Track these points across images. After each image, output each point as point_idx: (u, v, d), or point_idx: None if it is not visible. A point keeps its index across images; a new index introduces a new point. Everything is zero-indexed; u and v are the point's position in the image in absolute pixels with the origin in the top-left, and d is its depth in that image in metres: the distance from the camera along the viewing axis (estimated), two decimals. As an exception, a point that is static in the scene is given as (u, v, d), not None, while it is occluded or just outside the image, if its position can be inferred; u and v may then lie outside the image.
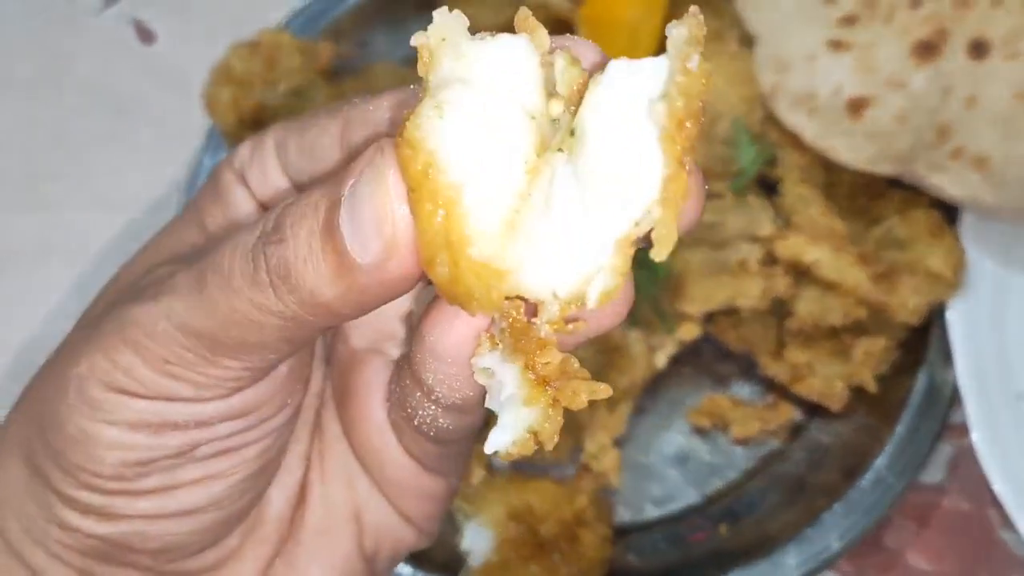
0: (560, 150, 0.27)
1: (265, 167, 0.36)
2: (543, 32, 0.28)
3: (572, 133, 0.27)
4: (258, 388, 0.32)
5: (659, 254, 0.26)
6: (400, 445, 0.36)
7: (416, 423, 0.33)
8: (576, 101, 0.28)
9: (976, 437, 0.60)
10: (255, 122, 0.67)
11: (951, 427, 0.63)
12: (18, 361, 0.68)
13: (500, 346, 0.28)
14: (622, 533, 0.61)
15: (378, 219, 0.27)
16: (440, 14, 0.27)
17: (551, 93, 0.28)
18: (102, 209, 0.73)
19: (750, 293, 0.58)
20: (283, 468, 0.37)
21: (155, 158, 0.74)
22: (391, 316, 0.37)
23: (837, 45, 0.58)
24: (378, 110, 0.33)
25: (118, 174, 0.74)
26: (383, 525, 0.37)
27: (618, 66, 0.27)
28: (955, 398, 0.61)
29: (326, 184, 0.29)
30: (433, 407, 0.32)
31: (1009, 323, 0.62)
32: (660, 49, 0.27)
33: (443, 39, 0.27)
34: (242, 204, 0.36)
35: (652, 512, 0.62)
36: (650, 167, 0.26)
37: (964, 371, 0.60)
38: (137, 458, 0.32)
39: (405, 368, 0.32)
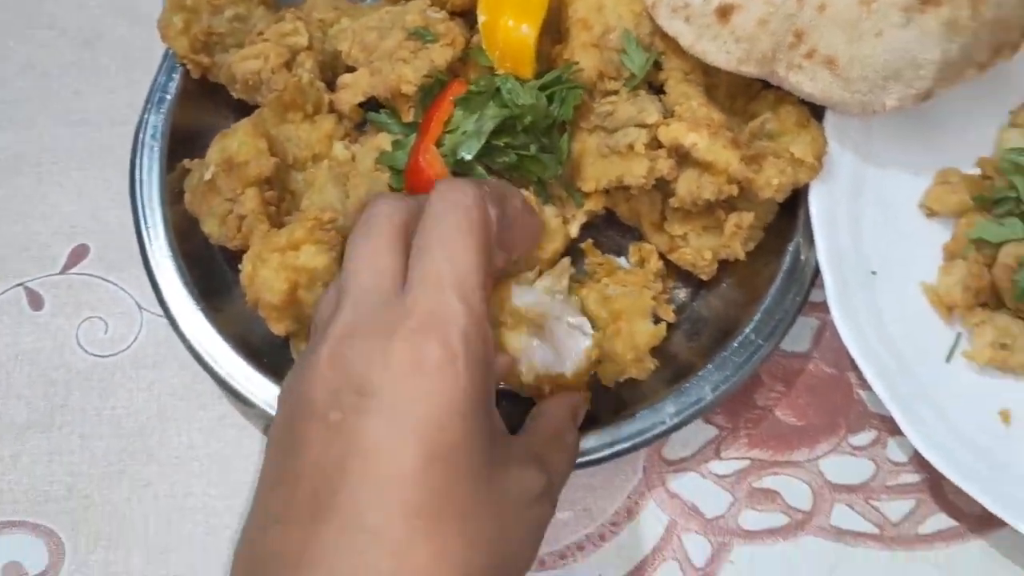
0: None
1: None
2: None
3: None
4: None
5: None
6: None
7: None
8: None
9: (834, 309, 0.68)
10: (204, 44, 0.75)
11: (816, 304, 0.71)
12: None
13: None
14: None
15: None
16: None
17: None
18: (67, 126, 0.81)
19: (637, 172, 0.65)
20: None
21: (116, 82, 0.83)
22: None
23: (708, -40, 0.67)
24: None
25: (82, 97, 0.82)
26: None
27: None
28: (819, 277, 0.69)
29: None
30: None
31: (864, 209, 0.70)
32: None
33: None
34: None
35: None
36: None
37: (823, 250, 0.68)
38: None
39: None
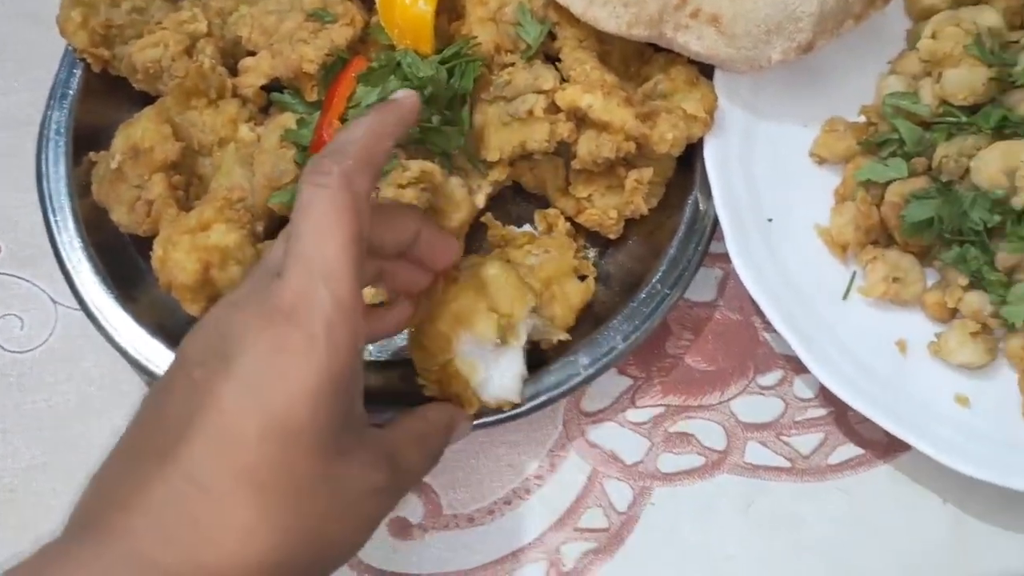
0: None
1: None
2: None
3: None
4: None
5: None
6: None
7: None
8: None
9: (734, 257, 0.70)
10: (104, 38, 0.75)
11: (718, 256, 0.74)
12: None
13: None
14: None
15: None
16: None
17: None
18: (-28, 130, 0.81)
19: (538, 137, 0.68)
20: None
21: (19, 83, 0.83)
22: None
23: (593, -70, 0.70)
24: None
25: (-16, 100, 0.82)
26: None
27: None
28: (719, 228, 0.72)
29: None
30: None
31: (757, 160, 0.73)
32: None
33: None
34: None
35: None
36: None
37: (720, 201, 0.71)
38: None
39: None
